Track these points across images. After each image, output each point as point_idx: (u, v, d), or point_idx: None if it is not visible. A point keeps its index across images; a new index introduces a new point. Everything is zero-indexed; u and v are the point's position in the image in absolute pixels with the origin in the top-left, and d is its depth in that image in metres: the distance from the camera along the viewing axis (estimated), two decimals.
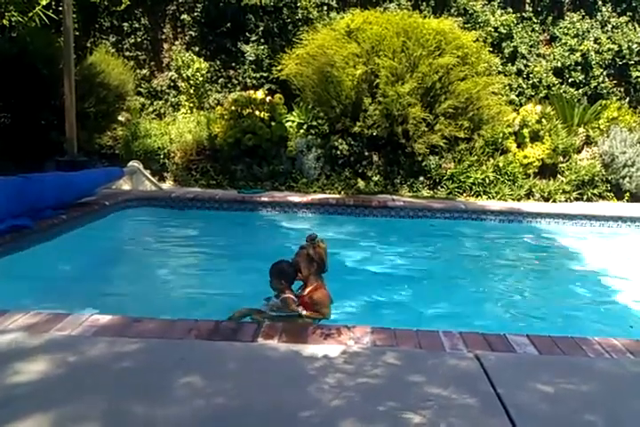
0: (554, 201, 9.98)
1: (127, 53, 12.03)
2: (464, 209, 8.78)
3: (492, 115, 10.41)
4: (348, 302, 4.97)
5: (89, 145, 10.22)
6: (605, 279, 6.24)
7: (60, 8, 9.13)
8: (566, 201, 10.05)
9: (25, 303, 4.25)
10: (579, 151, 10.92)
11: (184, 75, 11.67)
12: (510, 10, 12.32)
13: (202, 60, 11.84)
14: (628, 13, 12.47)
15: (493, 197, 9.89)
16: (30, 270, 5.36)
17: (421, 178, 10.14)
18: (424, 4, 12.06)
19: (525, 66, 12.34)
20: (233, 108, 10.38)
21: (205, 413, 2.57)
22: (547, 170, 10.49)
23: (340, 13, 11.85)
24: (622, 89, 12.64)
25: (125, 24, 12.00)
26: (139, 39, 12.11)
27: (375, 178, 10.03)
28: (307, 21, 11.76)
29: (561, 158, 10.57)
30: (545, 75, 12.28)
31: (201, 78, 11.68)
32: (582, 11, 12.44)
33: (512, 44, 12.23)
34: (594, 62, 12.25)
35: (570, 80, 12.34)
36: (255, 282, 4.72)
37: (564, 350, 3.43)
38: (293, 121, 10.39)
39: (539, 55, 12.46)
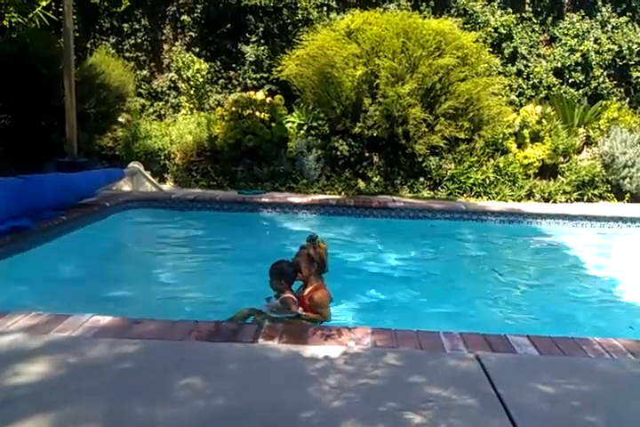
0: (554, 202, 9.97)
1: (127, 54, 12.04)
2: (464, 210, 8.77)
3: (493, 115, 10.42)
4: (348, 303, 4.96)
5: (89, 146, 10.22)
6: (606, 280, 6.24)
7: (60, 9, 9.13)
8: (567, 202, 10.05)
9: (25, 304, 4.25)
10: (579, 152, 10.92)
11: (184, 76, 11.68)
12: (510, 10, 12.33)
13: (202, 60, 11.85)
14: (627, 13, 12.48)
15: (494, 198, 9.88)
16: (30, 271, 5.36)
17: (422, 179, 10.14)
18: (424, 4, 12.07)
19: (525, 66, 12.34)
20: (233, 109, 10.38)
21: (206, 414, 2.57)
22: (547, 170, 10.49)
23: (339, 14, 11.86)
24: (622, 89, 12.65)
25: (125, 25, 12.01)
26: (139, 40, 12.12)
27: (375, 179, 10.03)
28: (307, 22, 11.77)
29: (561, 159, 10.57)
30: (545, 75, 12.28)
31: (201, 79, 11.69)
32: (582, 11, 12.45)
33: (512, 45, 12.24)
34: (594, 63, 12.25)
35: (570, 80, 12.34)
36: (256, 283, 4.72)
37: (564, 350, 3.43)
38: (294, 122, 10.39)
39: (539, 56, 12.47)
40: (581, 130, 11.02)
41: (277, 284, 4.37)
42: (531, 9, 12.49)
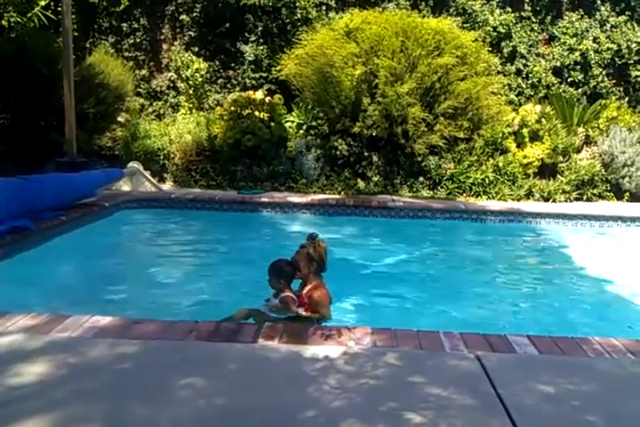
0: (554, 201, 9.98)
1: (126, 54, 12.04)
2: (464, 209, 8.78)
3: (492, 115, 10.42)
4: (348, 303, 4.97)
5: (88, 146, 10.22)
6: (605, 279, 6.23)
7: (59, 8, 9.13)
8: (566, 201, 10.05)
9: (25, 305, 4.24)
10: (578, 151, 10.92)
11: (183, 75, 11.68)
12: (509, 9, 12.33)
13: (201, 60, 11.84)
14: (626, 13, 12.49)
15: (493, 198, 9.89)
16: (30, 272, 5.36)
17: (421, 178, 10.15)
18: (423, 3, 12.06)
19: (524, 65, 12.34)
20: (232, 108, 10.38)
21: (206, 413, 2.57)
22: (546, 170, 10.49)
23: (338, 13, 11.85)
24: (621, 88, 12.65)
25: (124, 24, 12.00)
26: (138, 40, 12.11)
27: (375, 178, 10.03)
28: (306, 21, 11.76)
29: (560, 158, 10.57)
30: (544, 74, 12.28)
31: (200, 79, 11.68)
32: (581, 10, 12.45)
33: (511, 44, 12.24)
34: (593, 62, 12.26)
35: (569, 80, 12.34)
36: (256, 283, 4.72)
37: (564, 350, 3.43)
38: (293, 121, 10.39)
39: (538, 55, 12.47)
40: (581, 129, 11.02)
41: (276, 282, 4.37)
42: (530, 8, 12.49)
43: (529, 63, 12.34)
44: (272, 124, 10.25)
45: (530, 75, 12.30)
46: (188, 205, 8.70)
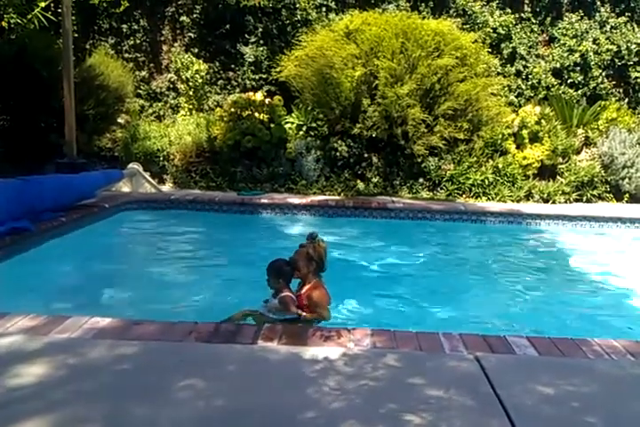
0: (553, 202, 9.98)
1: (126, 55, 12.05)
2: (464, 210, 8.78)
3: (492, 116, 10.43)
4: (347, 304, 4.96)
5: (88, 147, 10.22)
6: (605, 280, 6.23)
7: (59, 10, 9.14)
8: (566, 202, 10.06)
9: (24, 306, 4.24)
10: (578, 152, 10.93)
11: (183, 76, 11.68)
12: (509, 10, 12.36)
13: (201, 61, 11.86)
14: (626, 14, 12.51)
15: (493, 199, 9.89)
16: (30, 273, 5.36)
17: (421, 179, 10.15)
18: (423, 4, 12.08)
19: (524, 67, 12.36)
20: (232, 109, 10.39)
21: (205, 415, 2.57)
22: (546, 171, 10.50)
23: (338, 15, 11.87)
24: (621, 90, 12.67)
25: (124, 26, 12.01)
26: (138, 41, 12.13)
27: (375, 179, 10.04)
28: (305, 23, 11.78)
29: (560, 159, 10.58)
30: (544, 76, 12.30)
31: (200, 80, 11.69)
32: (581, 11, 12.47)
33: (511, 45, 12.26)
34: (593, 63, 12.27)
35: (569, 81, 12.36)
36: (255, 284, 4.72)
37: (563, 351, 3.43)
38: (293, 123, 10.40)
39: (538, 56, 12.48)
40: (580, 130, 11.03)
41: (275, 282, 4.37)
42: (529, 9, 12.51)
43: (529, 64, 12.36)
44: (272, 125, 10.25)
45: (529, 76, 12.32)
46: (188, 207, 8.70)
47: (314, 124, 10.28)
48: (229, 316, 4.26)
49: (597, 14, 12.48)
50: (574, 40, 12.32)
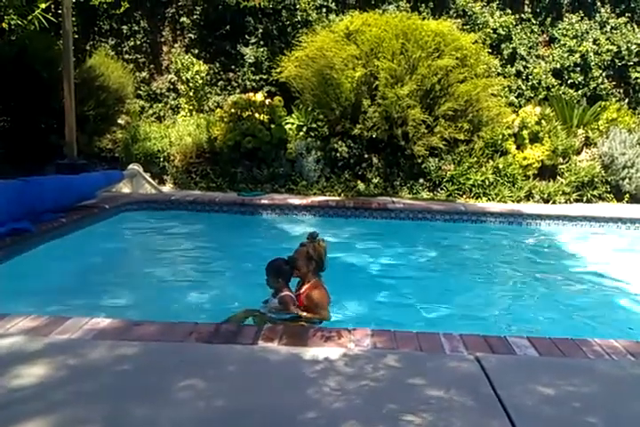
0: (553, 202, 9.98)
1: (127, 56, 12.05)
2: (464, 211, 8.78)
3: (492, 116, 10.43)
4: (348, 304, 4.96)
5: (89, 148, 10.23)
6: (605, 280, 6.23)
7: (60, 11, 9.14)
8: (566, 202, 10.06)
9: (25, 307, 4.25)
10: (578, 153, 10.93)
11: (183, 77, 11.69)
12: (509, 11, 12.35)
13: (201, 62, 11.86)
14: (626, 14, 12.51)
15: (493, 199, 9.89)
16: (31, 274, 5.36)
17: (421, 180, 10.15)
18: (423, 5, 12.09)
19: (525, 67, 12.36)
20: (232, 110, 10.39)
21: (206, 415, 2.57)
22: (546, 171, 10.50)
23: (338, 15, 11.88)
24: (621, 90, 12.67)
25: (125, 27, 12.02)
26: (138, 42, 12.13)
27: (375, 180, 10.04)
28: (306, 24, 11.78)
29: (560, 160, 10.58)
30: (544, 76, 12.30)
31: (200, 81, 11.70)
32: (581, 12, 12.47)
33: (511, 46, 12.26)
34: (593, 63, 12.28)
35: (569, 81, 12.36)
36: (256, 284, 4.72)
37: (564, 351, 3.43)
38: (293, 123, 10.40)
39: (538, 56, 12.49)
40: (580, 131, 11.03)
41: (274, 282, 4.37)
42: (530, 10, 12.51)
43: (529, 65, 12.36)
44: (272, 126, 10.25)
45: (530, 76, 12.32)
46: (188, 207, 8.71)
47: (314, 125, 10.29)
48: (229, 316, 4.26)
49: (597, 15, 12.48)
50: (574, 40, 12.32)
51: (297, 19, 11.84)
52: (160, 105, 12.20)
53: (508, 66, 12.27)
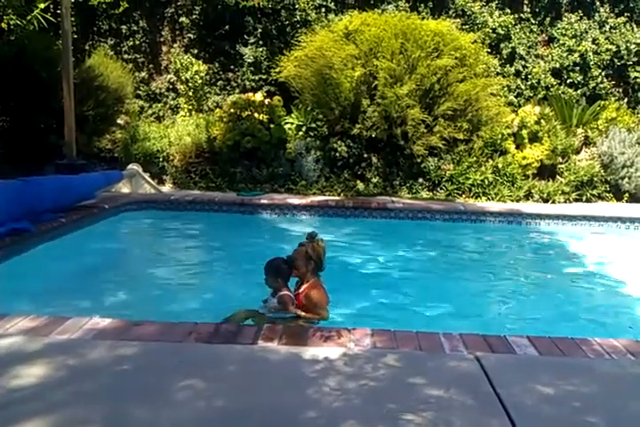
0: (553, 202, 9.98)
1: (126, 56, 12.05)
2: (463, 210, 8.78)
3: (491, 116, 10.43)
4: (348, 304, 4.96)
5: (88, 148, 10.22)
6: (605, 280, 6.24)
7: (59, 11, 9.14)
8: (565, 202, 10.06)
9: (25, 307, 4.25)
10: (577, 152, 10.93)
11: (183, 77, 11.68)
12: (508, 11, 12.35)
13: (200, 62, 11.85)
14: (625, 14, 12.51)
15: (492, 199, 9.89)
16: (30, 274, 5.36)
17: (420, 179, 10.15)
18: (422, 5, 12.08)
19: (524, 67, 12.36)
20: (232, 110, 10.38)
21: (205, 415, 2.57)
22: (546, 171, 10.50)
23: (338, 15, 11.87)
24: (621, 89, 12.67)
25: (124, 27, 12.01)
26: (137, 42, 12.13)
27: (374, 180, 10.04)
28: (305, 23, 11.78)
29: (560, 159, 10.58)
30: (543, 76, 12.30)
31: (200, 81, 11.69)
32: (580, 11, 12.47)
33: (510, 45, 12.26)
34: (592, 63, 12.28)
35: (568, 81, 12.36)
36: (255, 284, 4.72)
37: (564, 351, 3.43)
38: (292, 123, 10.40)
39: (537, 56, 12.48)
40: (580, 130, 11.03)
41: (273, 281, 4.38)
42: (529, 9, 12.51)
43: (528, 64, 12.36)
44: (271, 125, 10.25)
45: (529, 76, 12.32)
46: (188, 207, 8.70)
47: (313, 125, 10.29)
48: (228, 316, 4.26)
49: (597, 14, 12.48)
50: (574, 40, 12.32)
51: (296, 18, 11.83)
52: (159, 105, 12.19)
53: (508, 65, 12.27)
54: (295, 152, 10.10)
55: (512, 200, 9.88)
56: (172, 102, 12.16)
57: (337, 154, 10.10)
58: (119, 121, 11.27)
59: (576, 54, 12.24)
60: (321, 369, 3.01)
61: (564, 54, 12.29)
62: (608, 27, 12.46)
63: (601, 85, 12.37)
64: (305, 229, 7.57)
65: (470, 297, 5.63)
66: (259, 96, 10.61)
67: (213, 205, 8.75)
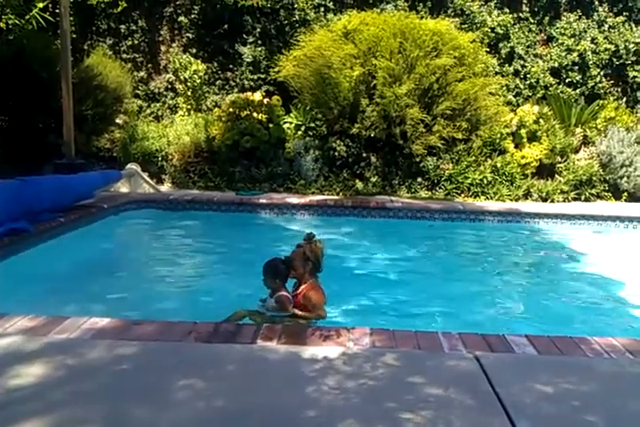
0: (552, 201, 9.99)
1: (124, 56, 12.04)
2: (462, 210, 8.78)
3: (490, 115, 10.43)
4: (346, 303, 4.96)
5: (87, 148, 10.22)
6: (604, 279, 6.24)
7: (57, 10, 9.13)
8: (564, 201, 10.06)
9: (23, 306, 4.24)
10: (576, 151, 10.94)
11: (181, 77, 11.67)
12: (507, 10, 12.35)
13: (199, 61, 11.84)
14: (624, 13, 12.52)
15: (491, 198, 9.89)
16: (29, 273, 5.35)
17: (419, 179, 10.15)
18: (421, 4, 12.08)
19: (522, 66, 12.37)
20: (231, 110, 10.38)
21: (205, 415, 2.57)
22: (544, 170, 10.50)
23: (336, 15, 11.87)
24: (619, 89, 12.68)
25: (122, 26, 12.00)
26: (136, 41, 12.12)
27: (373, 179, 10.04)
28: (304, 23, 11.77)
29: (559, 158, 10.59)
30: (542, 75, 12.31)
31: (198, 80, 11.68)
32: (579, 11, 12.47)
33: (509, 45, 12.26)
34: (591, 62, 12.28)
35: (567, 80, 12.36)
36: (254, 283, 4.72)
37: (562, 350, 3.43)
38: (291, 123, 10.39)
39: (536, 55, 12.49)
40: (578, 129, 11.04)
41: (271, 282, 4.38)
42: (527, 9, 12.52)
43: (527, 64, 12.36)
44: (270, 125, 10.25)
45: (528, 75, 12.32)
46: (187, 207, 8.70)
47: (312, 124, 10.28)
48: (227, 317, 4.25)
49: (595, 14, 12.49)
50: (572, 39, 12.33)
51: (295, 18, 11.82)
52: (158, 104, 12.18)
53: (506, 65, 12.27)
54: (294, 152, 10.09)
55: (511, 199, 9.88)
56: (170, 102, 12.15)
57: (336, 153, 10.10)
58: (118, 120, 11.26)
59: (575, 54, 12.25)
60: (320, 368, 3.01)
61: (563, 54, 12.30)
62: (607, 26, 12.47)
63: (600, 85, 12.38)
64: (304, 228, 7.58)
65: (469, 296, 5.63)
66: (257, 96, 10.61)
67: (212, 204, 8.75)
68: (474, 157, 10.21)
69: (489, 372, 3.03)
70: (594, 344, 3.52)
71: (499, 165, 10.13)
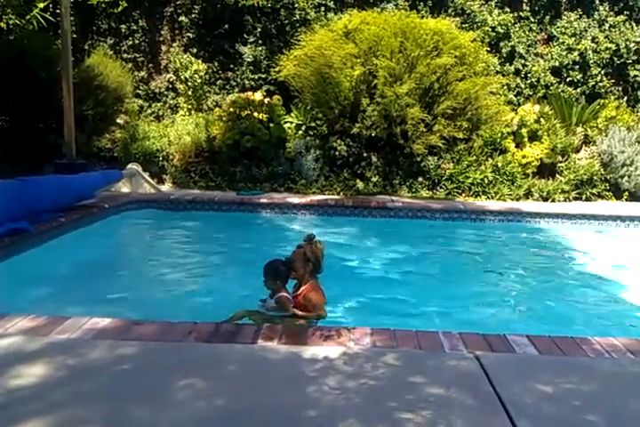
0: (553, 201, 9.98)
1: (125, 55, 12.04)
2: (463, 209, 8.78)
3: (491, 115, 10.43)
4: (347, 303, 4.96)
5: (87, 148, 10.22)
6: (605, 279, 6.23)
7: (58, 10, 9.14)
8: (565, 201, 10.05)
9: (24, 307, 4.24)
10: (577, 151, 10.93)
11: (182, 76, 11.67)
12: (508, 9, 12.35)
13: (200, 61, 11.85)
14: (625, 12, 12.51)
15: (492, 197, 9.89)
16: (29, 274, 5.35)
17: (420, 178, 10.15)
18: (421, 4, 12.07)
19: (523, 65, 12.36)
20: (231, 109, 10.38)
21: (205, 415, 2.57)
22: (545, 170, 10.50)
23: (337, 14, 11.87)
24: (620, 88, 12.67)
25: (123, 26, 12.00)
26: (137, 41, 12.12)
27: (374, 179, 10.03)
28: (304, 22, 11.77)
29: (559, 158, 10.58)
30: (543, 74, 12.30)
31: (199, 80, 11.68)
32: (580, 10, 12.46)
33: (510, 44, 12.26)
34: (591, 61, 12.27)
35: (568, 79, 12.36)
36: (255, 284, 4.72)
37: (563, 350, 3.43)
38: (292, 122, 10.39)
39: (536, 55, 12.48)
40: (579, 129, 11.03)
41: (272, 283, 4.38)
42: (528, 8, 12.51)
43: (528, 63, 12.36)
44: (271, 125, 10.25)
45: (528, 75, 12.31)
46: (188, 207, 8.71)
47: (313, 124, 10.28)
48: (228, 318, 4.25)
49: (596, 13, 12.48)
50: (573, 39, 12.32)
51: (295, 17, 11.82)
52: (159, 104, 12.19)
53: (507, 64, 12.26)
54: (295, 151, 10.09)
55: (512, 199, 9.88)
56: (171, 102, 12.16)
57: (336, 153, 10.10)
58: (119, 120, 11.26)
59: (575, 53, 12.24)
60: (321, 368, 3.01)
61: (564, 53, 12.29)
62: (607, 25, 12.46)
63: (600, 84, 12.37)
64: (305, 228, 7.59)
65: (470, 296, 5.62)
66: (258, 95, 10.61)
67: (213, 204, 8.76)
68: (475, 157, 10.20)
69: (490, 372, 3.03)
70: (595, 344, 3.51)
71: (499, 164, 10.12)
